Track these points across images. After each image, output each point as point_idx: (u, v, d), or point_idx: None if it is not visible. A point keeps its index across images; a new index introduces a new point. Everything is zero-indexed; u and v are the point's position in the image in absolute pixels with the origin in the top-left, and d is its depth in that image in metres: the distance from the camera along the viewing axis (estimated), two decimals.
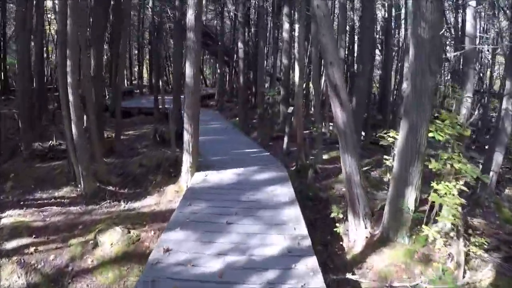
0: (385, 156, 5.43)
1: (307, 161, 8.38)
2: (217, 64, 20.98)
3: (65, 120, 6.33)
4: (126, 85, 24.99)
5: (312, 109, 16.34)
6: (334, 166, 9.05)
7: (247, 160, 7.33)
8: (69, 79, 5.79)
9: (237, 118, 13.47)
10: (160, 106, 13.32)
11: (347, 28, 13.94)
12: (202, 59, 33.03)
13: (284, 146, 9.40)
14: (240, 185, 5.72)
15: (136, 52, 25.04)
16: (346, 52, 14.22)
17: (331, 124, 12.23)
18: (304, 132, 8.91)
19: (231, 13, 19.52)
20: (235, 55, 16.38)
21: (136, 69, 26.20)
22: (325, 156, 9.22)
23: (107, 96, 14.51)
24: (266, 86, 16.22)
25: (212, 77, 33.25)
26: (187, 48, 5.70)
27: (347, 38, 15.04)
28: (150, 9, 14.59)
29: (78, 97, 5.95)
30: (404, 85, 8.19)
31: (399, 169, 4.30)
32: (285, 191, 5.49)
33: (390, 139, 5.54)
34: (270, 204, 5.01)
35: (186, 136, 6.02)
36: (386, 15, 15.02)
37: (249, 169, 6.55)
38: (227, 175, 6.15)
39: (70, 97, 5.85)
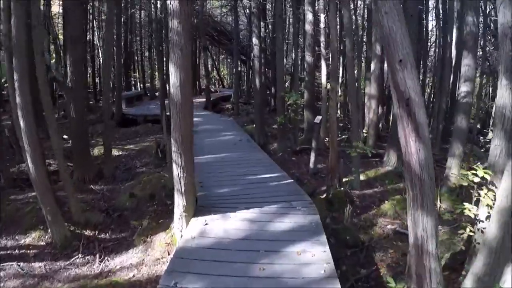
0: (466, 204, 3.55)
1: (341, 187, 6.54)
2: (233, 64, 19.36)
3: (22, 151, 4.83)
4: (139, 88, 23.82)
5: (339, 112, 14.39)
6: (373, 191, 7.15)
7: (264, 193, 5.50)
8: (17, 99, 4.25)
9: (254, 125, 11.70)
10: (168, 113, 11.71)
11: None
12: (218, 58, 31.50)
13: (311, 165, 7.56)
14: (252, 244, 3.96)
15: (147, 53, 23.73)
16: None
17: (365, 132, 10.29)
18: None
19: (246, 10, 17.81)
20: (251, 54, 14.64)
21: (149, 71, 24.90)
22: (360, 177, 7.32)
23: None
24: (286, 85, 14.41)
25: (229, 77, 31.70)
26: (169, 44, 3.94)
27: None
28: (153, 6, 13.05)
29: (32, 120, 4.42)
30: (463, 88, 6.74)
31: (499, 234, 2.92)
32: (318, 254, 3.70)
33: (476, 179, 3.65)
34: (296, 285, 3.24)
35: (176, 171, 4.31)
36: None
37: (266, 211, 4.77)
38: (234, 224, 4.40)
39: (21, 122, 4.32)
